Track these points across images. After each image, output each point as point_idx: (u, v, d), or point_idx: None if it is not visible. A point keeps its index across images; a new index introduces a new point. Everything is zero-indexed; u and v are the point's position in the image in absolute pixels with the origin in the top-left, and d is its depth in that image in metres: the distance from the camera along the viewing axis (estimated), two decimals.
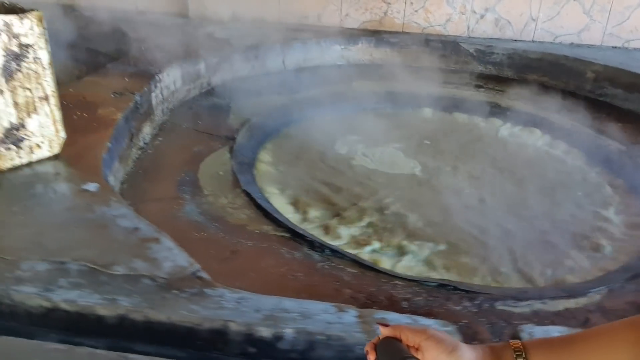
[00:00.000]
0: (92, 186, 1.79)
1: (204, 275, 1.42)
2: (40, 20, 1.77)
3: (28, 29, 1.73)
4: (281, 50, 4.01)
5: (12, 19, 1.69)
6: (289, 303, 1.33)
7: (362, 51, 4.25)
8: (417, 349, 0.78)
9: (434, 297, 1.75)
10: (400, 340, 0.80)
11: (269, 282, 1.76)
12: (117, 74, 2.87)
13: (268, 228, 2.12)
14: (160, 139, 2.80)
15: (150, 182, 2.37)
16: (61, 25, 4.04)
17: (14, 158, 1.85)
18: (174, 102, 3.19)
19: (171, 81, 3.11)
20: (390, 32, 4.38)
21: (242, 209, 2.25)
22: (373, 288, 1.78)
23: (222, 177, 2.50)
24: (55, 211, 1.64)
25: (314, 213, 2.39)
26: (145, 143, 2.66)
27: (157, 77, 2.91)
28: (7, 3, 1.89)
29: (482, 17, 4.30)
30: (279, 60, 4.00)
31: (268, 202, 2.36)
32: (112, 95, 2.57)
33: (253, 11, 4.56)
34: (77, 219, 1.60)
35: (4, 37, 1.69)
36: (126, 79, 2.80)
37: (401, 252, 2.14)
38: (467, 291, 1.77)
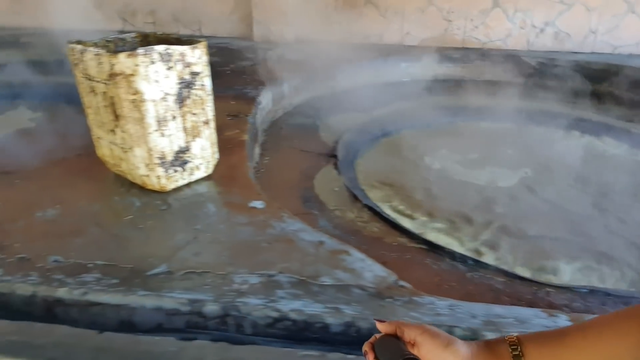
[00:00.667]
0: (258, 203, 1.88)
1: (405, 284, 1.50)
2: (206, 49, 1.88)
3: (197, 58, 1.84)
4: (352, 69, 4.13)
5: (186, 49, 1.80)
6: (498, 309, 1.40)
7: (426, 67, 4.35)
8: (413, 344, 0.79)
9: (590, 303, 1.82)
10: (396, 336, 0.80)
11: (431, 291, 1.84)
12: (221, 97, 2.97)
13: (403, 240, 2.20)
14: (267, 158, 2.90)
15: (277, 200, 2.46)
16: None
17: (178, 180, 1.95)
18: (267, 122, 3.30)
19: (266, 103, 3.22)
20: (451, 48, 4.49)
21: (371, 222, 2.33)
22: (529, 296, 1.85)
23: (339, 193, 2.59)
24: (235, 227, 1.73)
25: (433, 225, 2.47)
26: (256, 162, 2.76)
27: (257, 100, 3.02)
28: (173, 36, 2.01)
29: (541, 31, 4.40)
30: (351, 79, 4.11)
31: (388, 215, 2.44)
32: (228, 118, 2.68)
33: (316, 32, 4.70)
34: (260, 234, 1.69)
35: (179, 66, 1.80)
36: (232, 102, 2.90)
37: (532, 262, 2.21)
38: (619, 296, 1.83)
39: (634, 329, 0.69)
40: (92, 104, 1.88)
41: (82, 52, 1.79)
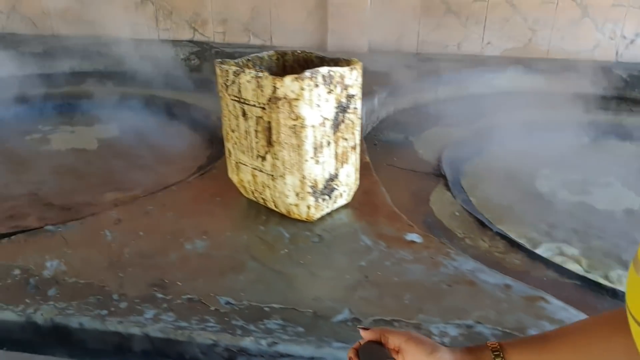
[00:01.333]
0: (414, 237, 1.74)
1: None
2: (361, 69, 1.75)
3: (354, 79, 1.72)
4: (435, 81, 3.98)
5: (345, 70, 1.67)
6: None
7: (511, 79, 4.18)
8: (397, 352, 0.79)
9: None
10: (381, 344, 0.80)
11: None
12: None
13: (552, 274, 2.03)
14: None
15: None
16: None
17: (323, 209, 1.82)
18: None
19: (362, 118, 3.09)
20: (535, 59, 4.30)
21: (509, 253, 2.17)
22: None
23: (462, 218, 2.43)
24: (403, 265, 1.59)
25: (570, 254, 2.30)
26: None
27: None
28: (315, 54, 1.89)
29: (632, 42, 4.20)
30: (434, 90, 3.97)
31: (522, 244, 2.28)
32: None
33: (391, 42, 4.56)
34: (435, 274, 1.55)
35: (338, 89, 1.67)
36: None
37: None
38: None
39: (618, 334, 0.67)
40: (241, 128, 1.76)
41: (237, 74, 1.67)
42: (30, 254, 1.63)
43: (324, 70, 1.61)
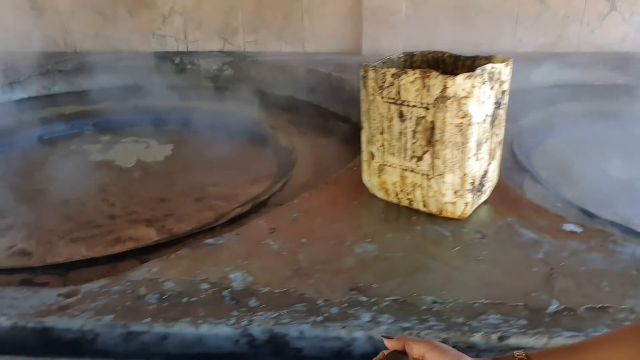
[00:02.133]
0: (571, 227, 1.78)
1: None
2: (512, 66, 1.79)
3: (507, 75, 1.75)
4: None
5: (502, 66, 1.70)
6: None
7: (547, 73, 4.28)
8: None
9: None
10: (404, 353, 0.80)
11: None
12: None
13: None
14: None
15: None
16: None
17: (474, 205, 1.84)
18: None
19: None
20: (567, 53, 4.43)
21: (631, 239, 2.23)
22: None
23: (564, 208, 2.48)
24: (579, 255, 1.62)
25: None
26: None
27: None
28: (447, 54, 1.91)
29: None
30: None
31: None
32: None
33: (424, 43, 4.61)
34: (615, 262, 1.59)
35: (497, 86, 1.70)
36: None
37: None
38: None
39: (636, 342, 0.67)
40: (394, 130, 1.77)
41: (397, 75, 1.68)
42: (205, 267, 1.60)
43: (489, 67, 1.63)
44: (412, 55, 2.01)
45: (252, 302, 1.44)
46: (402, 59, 1.99)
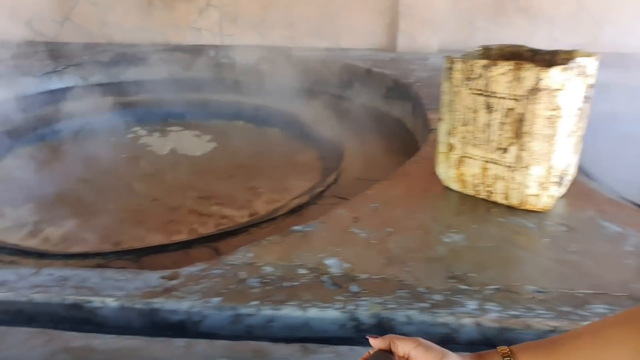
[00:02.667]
0: None
1: None
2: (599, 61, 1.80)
3: (594, 69, 1.76)
4: None
5: (591, 61, 1.72)
6: None
7: None
8: (407, 359, 0.79)
9: None
10: (390, 352, 0.81)
11: None
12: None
13: None
14: None
15: None
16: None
17: (556, 198, 1.85)
18: None
19: None
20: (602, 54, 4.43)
21: None
22: None
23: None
24: None
25: None
26: None
27: None
28: (524, 48, 1.92)
29: None
30: None
31: None
32: None
33: (460, 41, 4.63)
34: None
35: (585, 80, 1.71)
36: None
37: None
38: None
39: (630, 336, 0.67)
40: (479, 121, 1.78)
41: (487, 67, 1.70)
42: (299, 253, 1.61)
43: (581, 61, 1.64)
44: (490, 48, 2.02)
45: (354, 288, 1.46)
46: (481, 52, 2.00)
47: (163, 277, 1.49)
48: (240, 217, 2.63)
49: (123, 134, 3.77)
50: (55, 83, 4.25)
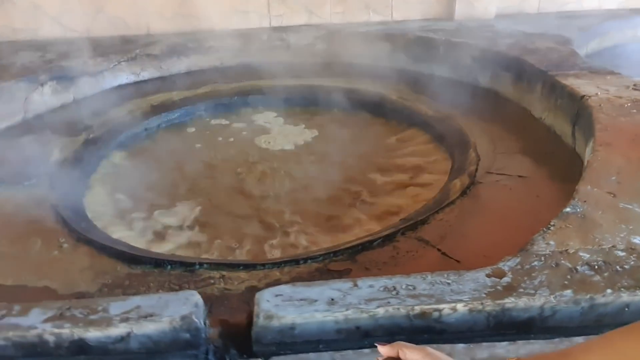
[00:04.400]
0: None
1: None
2: None
3: None
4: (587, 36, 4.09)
5: None
6: None
7: None
8: None
9: None
10: (398, 359, 0.81)
11: None
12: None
13: None
14: None
15: None
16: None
17: None
18: None
19: None
20: None
21: None
22: None
23: None
24: None
25: None
26: None
27: None
28: None
29: None
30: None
31: None
32: None
33: (513, 6, 4.62)
34: None
35: None
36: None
37: None
38: None
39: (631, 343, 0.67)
40: None
41: None
42: (597, 235, 1.57)
43: None
44: None
45: None
46: None
47: (488, 275, 1.43)
48: (407, 205, 2.55)
49: (212, 126, 3.58)
50: (109, 81, 3.98)
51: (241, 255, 2.26)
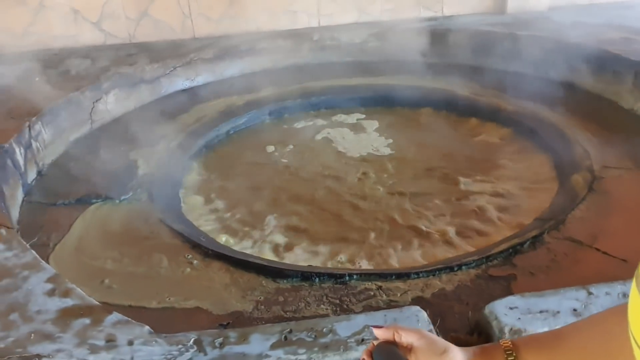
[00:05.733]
0: None
1: None
2: None
3: None
4: None
5: None
6: None
7: None
8: (409, 349, 0.80)
9: None
10: (394, 342, 0.81)
11: None
12: None
13: None
14: None
15: None
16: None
17: None
18: None
19: None
20: None
21: None
22: None
23: None
24: None
25: None
26: None
27: None
28: None
29: None
30: None
31: None
32: None
33: None
34: None
35: None
36: None
37: None
38: None
39: (622, 322, 0.66)
40: None
41: None
42: None
43: None
44: None
45: None
46: None
47: None
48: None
49: (282, 131, 3.47)
50: (166, 87, 3.86)
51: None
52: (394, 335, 0.81)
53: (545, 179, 2.64)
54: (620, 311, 0.65)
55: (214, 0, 4.32)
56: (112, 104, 3.45)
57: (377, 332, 0.82)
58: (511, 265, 1.91)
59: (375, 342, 0.82)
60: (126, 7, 4.22)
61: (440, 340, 0.80)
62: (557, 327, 1.19)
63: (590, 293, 1.32)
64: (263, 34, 4.32)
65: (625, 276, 1.38)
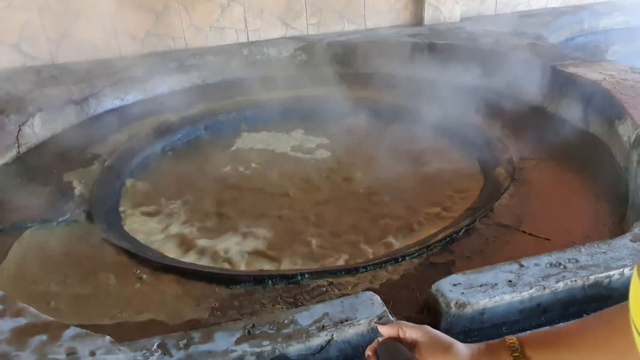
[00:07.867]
0: None
1: None
2: None
3: None
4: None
5: None
6: None
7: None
8: (414, 345, 0.81)
9: None
10: (399, 339, 0.82)
11: None
12: None
13: None
14: None
15: None
16: None
17: None
18: None
19: None
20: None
21: None
22: None
23: None
24: None
25: None
26: None
27: None
28: None
29: None
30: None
31: None
32: None
33: (473, 9, 4.96)
34: None
35: None
36: None
37: None
38: None
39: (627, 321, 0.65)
40: None
41: None
42: None
43: None
44: None
45: None
46: None
47: (632, 241, 1.56)
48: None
49: (216, 146, 3.50)
50: (95, 107, 3.79)
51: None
52: (398, 331, 0.80)
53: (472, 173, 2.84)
54: (624, 309, 0.65)
55: (139, 18, 4.26)
56: (39, 126, 3.33)
57: (382, 329, 0.82)
58: (449, 252, 2.05)
59: (380, 339, 0.82)
60: (47, 27, 4.09)
61: (444, 336, 0.79)
62: (496, 297, 1.33)
63: (521, 265, 1.47)
64: (192, 51, 4.33)
65: (550, 251, 1.55)
